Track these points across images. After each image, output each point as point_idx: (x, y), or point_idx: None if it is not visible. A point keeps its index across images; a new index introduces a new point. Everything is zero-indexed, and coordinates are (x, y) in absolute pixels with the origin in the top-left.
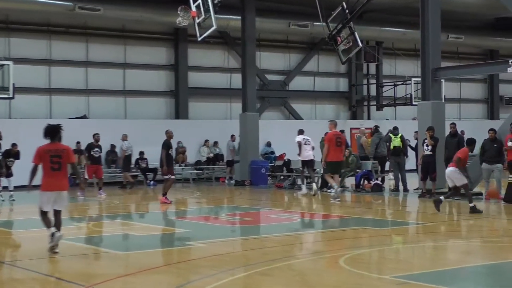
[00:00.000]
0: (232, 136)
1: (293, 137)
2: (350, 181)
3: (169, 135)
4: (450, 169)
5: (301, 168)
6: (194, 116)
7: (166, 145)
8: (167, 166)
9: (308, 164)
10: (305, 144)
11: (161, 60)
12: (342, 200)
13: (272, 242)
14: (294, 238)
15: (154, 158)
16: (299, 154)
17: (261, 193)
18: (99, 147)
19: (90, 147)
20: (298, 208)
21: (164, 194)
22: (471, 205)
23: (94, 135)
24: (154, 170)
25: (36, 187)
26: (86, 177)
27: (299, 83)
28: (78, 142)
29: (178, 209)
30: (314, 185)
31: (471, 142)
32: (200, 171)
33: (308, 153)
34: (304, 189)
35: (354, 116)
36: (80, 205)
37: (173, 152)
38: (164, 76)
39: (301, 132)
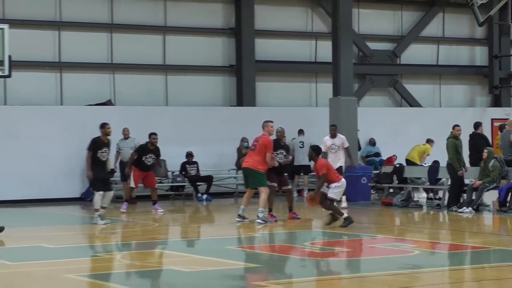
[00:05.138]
0: (300, 131)
1: (407, 131)
2: (491, 196)
3: (280, 134)
4: None
5: None
6: (263, 101)
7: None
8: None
9: None
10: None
11: (216, 22)
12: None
13: (378, 284)
14: (410, 279)
15: (206, 161)
16: None
17: (361, 212)
18: (155, 151)
19: (142, 150)
20: (416, 234)
21: (270, 210)
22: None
23: (150, 135)
24: (208, 179)
25: None
26: (132, 185)
27: (416, 53)
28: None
29: (242, 234)
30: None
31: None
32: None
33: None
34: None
35: (497, 102)
36: (102, 229)
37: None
38: (220, 44)
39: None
